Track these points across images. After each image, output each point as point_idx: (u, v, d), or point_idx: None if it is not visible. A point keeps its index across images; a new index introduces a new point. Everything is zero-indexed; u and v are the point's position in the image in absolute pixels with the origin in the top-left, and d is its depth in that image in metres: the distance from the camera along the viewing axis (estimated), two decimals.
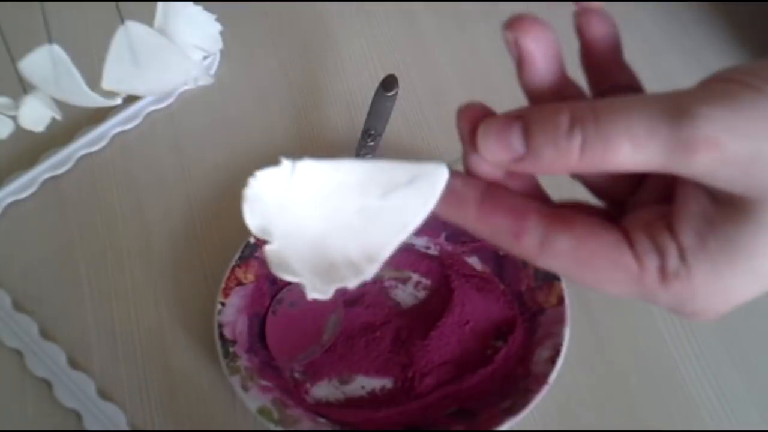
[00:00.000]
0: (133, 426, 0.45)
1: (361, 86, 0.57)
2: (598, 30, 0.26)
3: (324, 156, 0.26)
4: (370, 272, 0.25)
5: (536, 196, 0.26)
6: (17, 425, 0.45)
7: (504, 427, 0.41)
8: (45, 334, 0.48)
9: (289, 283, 0.48)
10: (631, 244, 0.24)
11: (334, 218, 0.27)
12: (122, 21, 0.35)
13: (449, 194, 0.25)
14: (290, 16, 0.61)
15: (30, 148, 0.54)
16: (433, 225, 0.49)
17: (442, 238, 0.50)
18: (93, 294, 0.50)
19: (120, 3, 0.36)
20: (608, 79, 0.26)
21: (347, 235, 0.26)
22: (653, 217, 0.24)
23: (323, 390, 0.46)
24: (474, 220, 0.25)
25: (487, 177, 0.25)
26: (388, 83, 0.51)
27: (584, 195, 0.27)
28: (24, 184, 0.53)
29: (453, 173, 0.25)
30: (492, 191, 0.25)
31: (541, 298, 0.46)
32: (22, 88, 0.39)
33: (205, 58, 0.57)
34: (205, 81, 0.56)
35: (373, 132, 0.52)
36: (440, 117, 0.56)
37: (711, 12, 0.61)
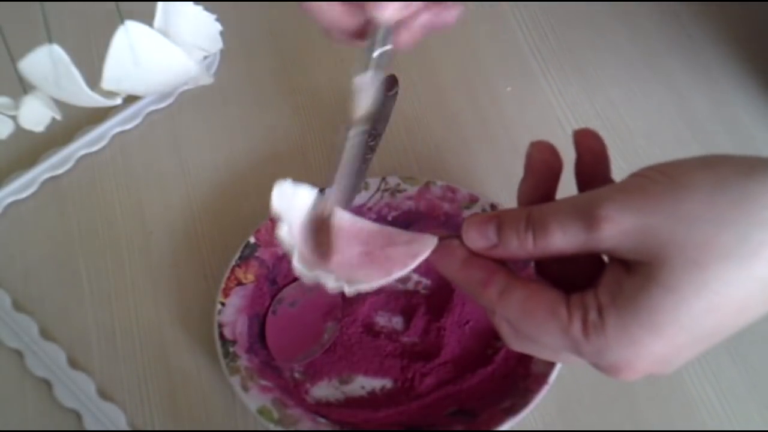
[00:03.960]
0: (133, 426, 0.45)
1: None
2: (590, 144, 0.32)
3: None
4: (347, 290, 0.31)
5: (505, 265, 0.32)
6: (17, 425, 0.45)
7: (504, 427, 0.41)
8: (45, 334, 0.48)
9: (289, 284, 0.48)
10: (566, 302, 0.29)
11: (341, 251, 0.34)
12: (122, 21, 0.35)
13: (444, 249, 0.32)
14: (290, 16, 0.61)
15: (30, 148, 0.54)
16: (433, 225, 0.50)
17: None
18: (93, 294, 0.50)
19: (120, 3, 0.36)
20: (593, 186, 0.32)
21: (344, 266, 0.33)
22: (588, 288, 0.30)
23: (323, 390, 0.46)
24: (456, 270, 0.32)
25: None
26: (388, 83, 0.51)
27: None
28: (24, 184, 0.53)
29: (449, 237, 0.32)
30: (474, 255, 0.32)
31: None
32: (22, 88, 0.39)
33: (205, 58, 0.57)
34: (205, 81, 0.56)
35: (373, 132, 0.52)
36: (440, 117, 0.56)
37: (711, 12, 0.61)
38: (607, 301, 0.28)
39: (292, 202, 0.34)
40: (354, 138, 0.36)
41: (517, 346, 0.32)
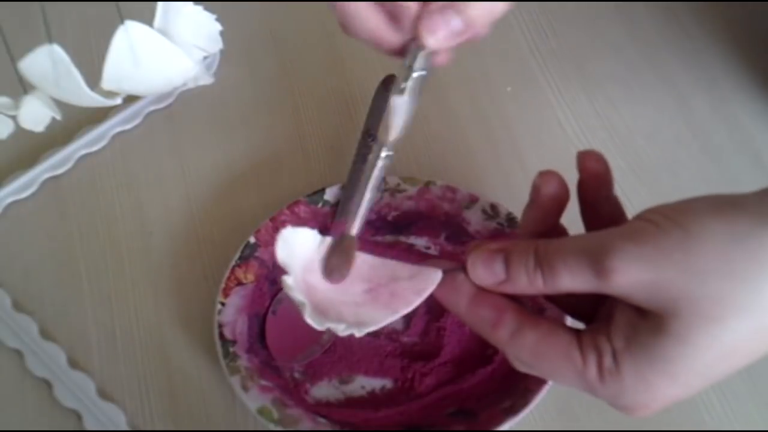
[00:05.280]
0: (133, 426, 0.45)
1: (361, 86, 0.57)
2: (594, 168, 0.32)
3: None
4: (357, 334, 0.31)
5: (515, 299, 0.32)
6: (17, 425, 0.45)
7: (504, 427, 0.41)
8: (45, 334, 0.48)
9: None
10: (580, 345, 0.29)
11: (344, 291, 0.33)
12: (122, 21, 0.35)
13: (449, 285, 0.32)
14: (290, 16, 0.61)
15: (30, 148, 0.54)
16: (433, 225, 0.50)
17: (442, 239, 0.50)
18: (93, 294, 0.50)
19: (120, 3, 0.36)
20: (596, 208, 0.33)
21: (349, 305, 0.32)
22: (600, 327, 0.30)
23: (323, 390, 0.46)
24: (465, 308, 0.31)
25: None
26: (389, 83, 0.51)
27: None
28: (24, 184, 0.53)
29: (454, 270, 0.31)
30: (482, 290, 0.31)
31: (541, 298, 0.46)
32: (22, 88, 0.39)
33: (205, 58, 0.57)
34: (205, 81, 0.56)
35: (373, 132, 0.52)
36: (440, 117, 0.56)
37: (711, 12, 0.61)
38: (622, 347, 0.28)
39: (294, 250, 0.33)
40: (384, 160, 0.35)
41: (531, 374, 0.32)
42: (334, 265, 0.35)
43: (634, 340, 0.28)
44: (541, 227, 0.33)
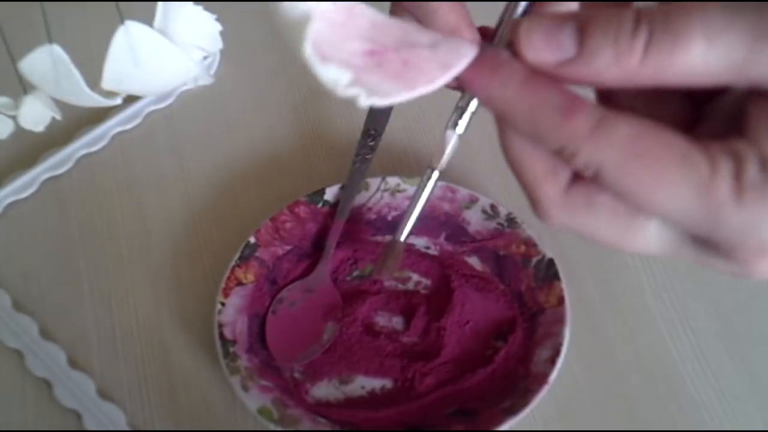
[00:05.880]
0: (133, 426, 0.45)
1: None
2: None
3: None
4: (363, 101, 0.21)
5: None
6: (17, 425, 0.45)
7: (504, 427, 0.41)
8: (45, 334, 0.48)
9: (289, 284, 0.48)
10: (703, 149, 0.20)
11: (336, 46, 0.23)
12: (122, 21, 0.35)
13: (489, 62, 0.21)
14: None
15: (30, 148, 0.54)
16: (432, 225, 0.50)
17: (441, 239, 0.50)
18: (93, 294, 0.50)
19: (120, 3, 0.36)
20: None
21: (346, 65, 0.22)
22: (726, 130, 0.20)
23: (323, 390, 0.46)
24: (516, 90, 0.21)
25: None
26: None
27: None
28: (24, 184, 0.53)
29: (493, 47, 0.22)
30: (536, 73, 0.21)
31: (541, 299, 0.46)
32: (22, 88, 0.39)
33: (205, 58, 0.57)
34: (205, 81, 0.56)
35: (373, 132, 0.52)
36: (440, 117, 0.56)
37: None
38: None
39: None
40: (431, 184, 0.35)
41: (563, 216, 0.22)
42: (389, 267, 0.38)
43: None
44: None
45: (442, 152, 0.35)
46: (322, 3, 0.22)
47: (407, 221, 0.37)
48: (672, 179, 0.19)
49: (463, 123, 0.33)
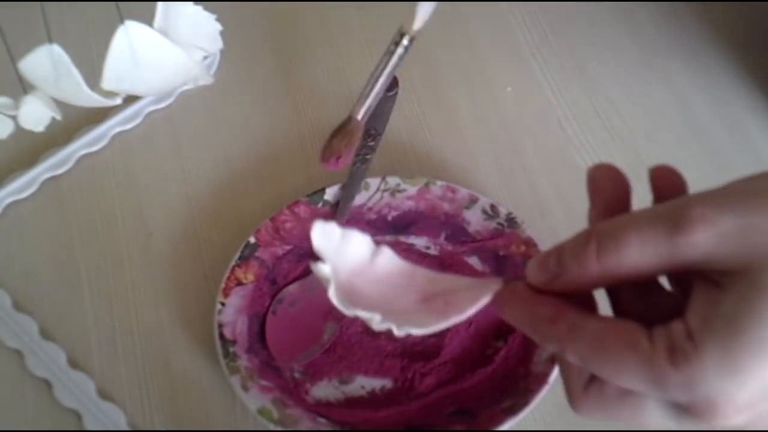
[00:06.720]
0: (133, 426, 0.45)
1: (361, 86, 0.57)
2: (670, 179, 0.29)
3: None
4: (396, 331, 0.27)
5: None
6: (17, 425, 0.45)
7: (504, 427, 0.41)
8: (45, 334, 0.48)
9: (289, 284, 0.48)
10: (647, 331, 0.25)
11: (395, 299, 0.30)
12: (122, 21, 0.35)
13: (507, 292, 0.29)
14: (290, 16, 0.61)
15: (30, 148, 0.54)
16: (433, 225, 0.50)
17: (442, 238, 0.50)
18: (93, 294, 0.50)
19: (120, 3, 0.36)
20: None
21: (398, 314, 0.29)
22: (668, 316, 0.26)
23: (323, 390, 0.46)
24: (520, 310, 0.28)
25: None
26: (388, 84, 0.50)
27: None
28: (24, 184, 0.53)
29: (514, 279, 0.29)
30: (540, 292, 0.28)
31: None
32: (22, 88, 0.39)
33: (205, 58, 0.57)
34: (205, 81, 0.56)
35: (373, 132, 0.52)
36: (440, 117, 0.56)
37: (711, 12, 0.61)
38: (699, 325, 0.24)
39: (342, 248, 0.31)
40: (400, 51, 0.34)
41: (587, 406, 0.28)
42: (335, 145, 0.33)
43: (715, 315, 0.24)
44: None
45: (417, 13, 0.33)
46: (386, 272, 0.31)
47: (368, 93, 0.33)
48: (626, 361, 0.25)
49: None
